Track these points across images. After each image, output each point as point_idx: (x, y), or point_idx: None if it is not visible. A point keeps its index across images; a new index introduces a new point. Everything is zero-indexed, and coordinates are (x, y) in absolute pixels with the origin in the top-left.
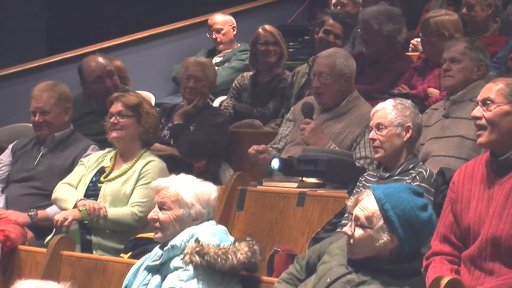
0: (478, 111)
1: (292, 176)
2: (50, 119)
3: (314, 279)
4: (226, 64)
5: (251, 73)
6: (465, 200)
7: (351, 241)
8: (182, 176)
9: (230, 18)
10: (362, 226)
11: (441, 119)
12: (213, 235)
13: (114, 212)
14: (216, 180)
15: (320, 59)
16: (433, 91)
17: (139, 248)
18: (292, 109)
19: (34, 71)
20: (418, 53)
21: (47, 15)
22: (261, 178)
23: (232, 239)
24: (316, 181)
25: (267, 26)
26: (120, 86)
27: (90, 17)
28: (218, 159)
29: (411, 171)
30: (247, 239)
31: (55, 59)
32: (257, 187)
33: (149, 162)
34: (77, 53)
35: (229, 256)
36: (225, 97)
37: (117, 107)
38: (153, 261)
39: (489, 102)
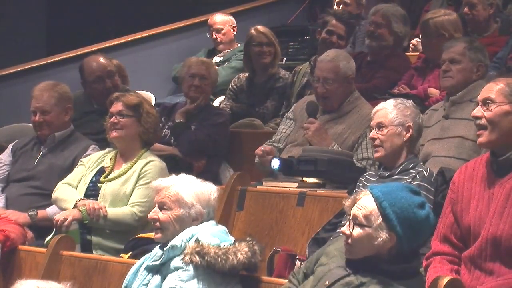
0: (478, 111)
1: (292, 176)
2: (51, 119)
3: (312, 281)
4: (226, 64)
5: (246, 74)
6: (466, 200)
7: (350, 240)
8: (182, 176)
9: (230, 18)
10: (360, 225)
11: (441, 120)
12: (213, 235)
13: (114, 212)
14: (216, 180)
15: (322, 64)
16: (433, 91)
17: (139, 248)
18: (293, 107)
19: (34, 71)
20: (418, 53)
21: (47, 15)
22: (261, 178)
23: (232, 239)
24: (316, 181)
25: (259, 27)
26: (120, 86)
27: (90, 17)
28: (218, 159)
29: (411, 171)
30: (247, 239)
31: (55, 59)
32: (257, 187)
33: (149, 162)
34: (77, 53)
35: (229, 256)
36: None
37: (117, 106)
38: (153, 261)
39: (489, 102)
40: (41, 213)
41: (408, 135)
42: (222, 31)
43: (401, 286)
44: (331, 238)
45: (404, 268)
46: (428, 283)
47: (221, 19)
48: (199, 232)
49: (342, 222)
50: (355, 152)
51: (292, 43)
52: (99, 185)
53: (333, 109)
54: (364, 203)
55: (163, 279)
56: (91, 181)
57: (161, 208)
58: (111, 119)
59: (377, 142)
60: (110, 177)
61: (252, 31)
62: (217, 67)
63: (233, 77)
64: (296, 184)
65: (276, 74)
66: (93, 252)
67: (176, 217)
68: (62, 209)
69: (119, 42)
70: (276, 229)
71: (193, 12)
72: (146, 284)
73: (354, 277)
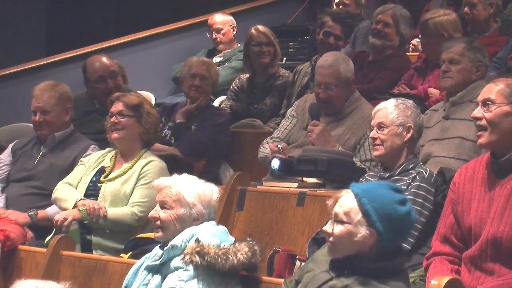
0: (478, 111)
1: (292, 176)
2: (51, 119)
3: None
4: (226, 64)
5: (247, 75)
6: (466, 201)
7: (331, 239)
8: (185, 176)
9: (230, 18)
10: (341, 222)
11: (441, 121)
12: (213, 235)
13: (114, 212)
14: (216, 180)
15: (322, 69)
16: (434, 91)
17: (139, 248)
18: (295, 104)
19: (34, 71)
20: (418, 53)
21: (47, 15)
22: (261, 178)
23: (233, 239)
24: (316, 181)
25: (259, 27)
26: (123, 86)
27: (90, 17)
28: (218, 159)
29: (411, 171)
30: (248, 239)
31: (55, 59)
32: (257, 187)
33: (149, 162)
34: (77, 53)
35: (230, 256)
36: (225, 97)
37: (118, 106)
38: (153, 261)
39: (489, 102)
40: (41, 213)
41: (409, 135)
42: (222, 31)
43: (384, 286)
44: None
45: (387, 266)
46: (428, 283)
47: (221, 19)
48: (200, 232)
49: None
50: (357, 153)
51: (292, 43)
52: (99, 184)
53: (335, 111)
54: (345, 200)
55: (163, 279)
56: (91, 181)
57: (162, 207)
58: (112, 119)
59: (377, 141)
60: (110, 177)
61: (252, 30)
62: (217, 67)
63: (233, 77)
64: (296, 184)
65: (276, 73)
66: (93, 252)
67: (177, 216)
68: (62, 208)
69: (119, 42)
70: (276, 229)
71: (193, 12)
72: (146, 284)
73: (337, 280)
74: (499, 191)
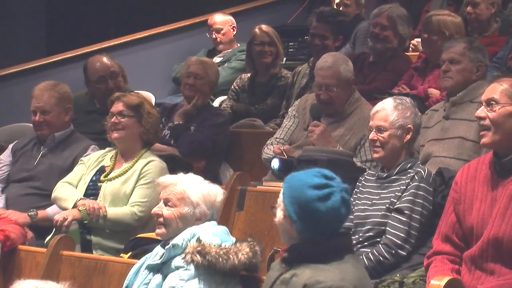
0: (482, 111)
1: None
2: (51, 119)
3: None
4: (226, 64)
5: (249, 74)
6: (468, 200)
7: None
8: (191, 175)
9: (230, 18)
10: (277, 208)
11: (441, 121)
12: (214, 235)
13: (114, 211)
14: (216, 180)
15: (322, 71)
16: (434, 92)
17: (139, 248)
18: (296, 104)
19: (34, 71)
20: (418, 53)
21: (47, 15)
22: (261, 178)
23: (233, 239)
24: None
25: (263, 26)
26: (123, 87)
27: (90, 17)
28: (218, 159)
29: (409, 170)
30: (249, 239)
31: (55, 59)
32: (257, 187)
33: (150, 162)
34: (77, 53)
35: (231, 256)
36: (225, 97)
37: (118, 107)
38: (154, 260)
39: (493, 102)
40: (41, 213)
41: (408, 137)
42: (222, 31)
43: (326, 265)
44: None
45: (325, 248)
46: (428, 282)
47: (221, 19)
48: (201, 231)
49: None
50: (357, 154)
51: (292, 43)
52: (99, 184)
53: (336, 112)
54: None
55: (164, 278)
56: (91, 180)
57: (166, 204)
58: (112, 119)
59: (377, 143)
60: (110, 176)
61: (256, 29)
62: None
63: (233, 78)
64: None
65: (278, 73)
66: (93, 252)
67: (180, 214)
68: (61, 208)
69: (119, 42)
70: (276, 229)
71: (193, 12)
72: (147, 283)
73: (287, 273)
74: (502, 191)
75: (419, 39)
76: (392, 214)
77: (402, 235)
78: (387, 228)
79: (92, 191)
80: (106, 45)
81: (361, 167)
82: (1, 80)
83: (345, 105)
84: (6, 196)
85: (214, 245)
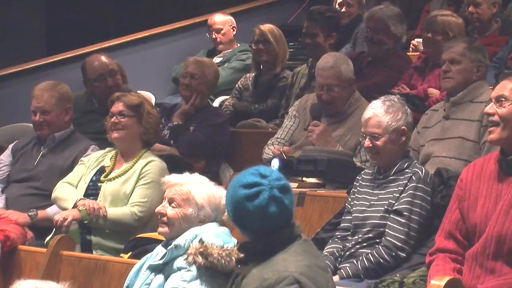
0: (491, 107)
1: (292, 176)
2: (51, 119)
3: None
4: (226, 64)
5: (253, 74)
6: (473, 197)
7: None
8: (196, 175)
9: (230, 18)
10: None
11: (441, 121)
12: (217, 236)
13: (114, 212)
14: (216, 180)
15: (324, 71)
16: (434, 91)
17: (139, 248)
18: (296, 104)
19: (34, 71)
20: (418, 53)
21: (47, 15)
22: None
23: (235, 240)
24: (316, 181)
25: (265, 25)
26: (122, 86)
27: (90, 17)
28: (218, 159)
29: (406, 170)
30: None
31: (55, 59)
32: None
33: (150, 162)
34: (77, 53)
35: (233, 257)
36: (225, 97)
37: (118, 106)
38: (155, 260)
39: (503, 99)
40: (41, 213)
41: (404, 138)
42: (222, 31)
43: (274, 257)
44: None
45: (267, 243)
46: (429, 280)
47: (221, 19)
48: (203, 232)
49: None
50: (357, 154)
51: (292, 43)
52: (99, 184)
53: (337, 112)
54: None
55: (166, 279)
56: (91, 180)
57: (170, 203)
58: (112, 119)
59: (373, 150)
60: (110, 176)
61: (256, 28)
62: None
63: (233, 78)
64: (296, 184)
65: (280, 74)
66: (93, 252)
67: (184, 215)
68: (61, 208)
69: (119, 42)
70: None
71: (193, 12)
72: (149, 284)
73: (239, 276)
74: (507, 188)
75: (420, 39)
76: (391, 215)
77: (402, 236)
78: (387, 230)
79: (92, 191)
80: (106, 45)
81: (361, 167)
82: (1, 80)
83: (345, 105)
84: (6, 196)
85: (217, 246)
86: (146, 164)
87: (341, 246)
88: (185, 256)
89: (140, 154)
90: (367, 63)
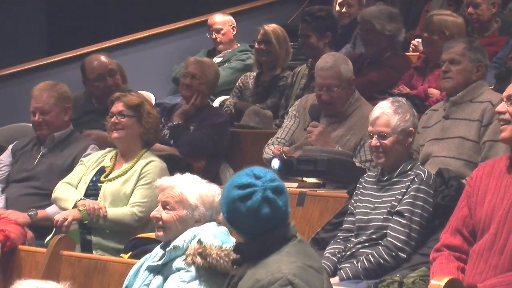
0: (502, 106)
1: (292, 176)
2: (50, 119)
3: None
4: (226, 64)
5: (254, 73)
6: (481, 193)
7: None
8: (188, 176)
9: (230, 18)
10: None
11: (441, 120)
12: (215, 236)
13: (114, 212)
14: (216, 180)
15: (323, 72)
16: (434, 92)
17: (139, 248)
18: (296, 104)
19: (34, 71)
20: (418, 53)
21: (46, 15)
22: None
23: (234, 240)
24: (316, 181)
25: (270, 25)
26: (122, 86)
27: (90, 17)
28: (218, 159)
29: (409, 172)
30: None
31: (55, 59)
32: None
33: (150, 162)
34: (77, 53)
35: (232, 257)
36: (225, 97)
37: (118, 106)
38: (154, 261)
39: None
40: (41, 213)
41: (410, 139)
42: (222, 31)
43: (269, 257)
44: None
45: (261, 244)
46: (432, 277)
47: (221, 19)
48: (202, 233)
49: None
50: (357, 154)
51: (292, 43)
52: (99, 184)
53: (337, 112)
54: None
55: (165, 279)
56: (91, 181)
57: (164, 207)
58: (112, 119)
59: (380, 150)
60: (110, 176)
61: (260, 27)
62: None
63: (233, 78)
64: (296, 184)
65: (280, 74)
66: (93, 252)
67: (179, 217)
68: (62, 208)
69: (119, 42)
70: None
71: (193, 12)
72: (148, 284)
73: (235, 277)
74: None
75: (420, 39)
76: (393, 217)
77: (403, 237)
78: (388, 231)
79: (92, 191)
80: (106, 45)
81: (361, 167)
82: (1, 80)
83: (345, 105)
84: (6, 196)
85: (215, 247)
86: (146, 164)
87: (343, 247)
88: (184, 257)
89: (140, 154)
90: (367, 63)
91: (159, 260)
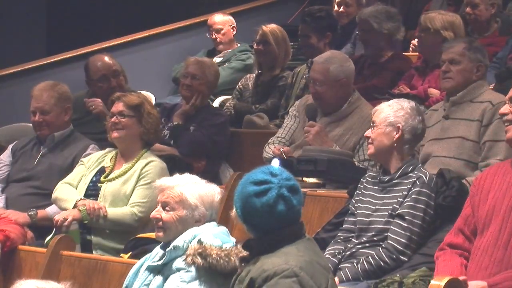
0: (505, 108)
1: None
2: (50, 119)
3: None
4: (226, 64)
5: (254, 74)
6: (485, 191)
7: None
8: (187, 176)
9: (230, 18)
10: None
11: (441, 120)
12: (215, 236)
13: (114, 212)
14: (216, 180)
15: (315, 65)
16: (434, 92)
17: (139, 248)
18: (296, 104)
19: (34, 71)
20: (418, 53)
21: (47, 15)
22: None
23: (234, 240)
24: (316, 181)
25: (269, 26)
26: (125, 87)
27: (90, 17)
28: (218, 159)
29: (410, 174)
30: None
31: (55, 59)
32: None
33: (150, 162)
34: (77, 53)
35: (232, 258)
36: (225, 97)
37: (118, 106)
38: (154, 261)
39: None
40: (41, 212)
41: (397, 136)
42: (222, 31)
43: (275, 254)
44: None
45: (271, 240)
46: (436, 275)
47: (221, 19)
48: (201, 233)
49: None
50: (356, 153)
51: (292, 43)
52: (99, 185)
53: (327, 111)
54: None
55: (165, 279)
56: (91, 181)
57: (164, 207)
58: (112, 119)
59: (369, 140)
60: (110, 177)
61: (259, 28)
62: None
63: (233, 78)
64: None
65: (280, 74)
66: (93, 252)
67: (179, 218)
68: (62, 208)
69: (119, 42)
70: None
71: (193, 12)
72: (148, 285)
73: (244, 272)
74: None
75: None
76: (394, 220)
77: (404, 240)
78: (389, 233)
79: (92, 191)
80: (106, 45)
81: (361, 167)
82: (1, 80)
83: (338, 104)
84: (6, 196)
85: (215, 247)
86: (146, 165)
87: (343, 248)
88: (184, 257)
89: (140, 154)
90: (368, 65)
91: (159, 260)
